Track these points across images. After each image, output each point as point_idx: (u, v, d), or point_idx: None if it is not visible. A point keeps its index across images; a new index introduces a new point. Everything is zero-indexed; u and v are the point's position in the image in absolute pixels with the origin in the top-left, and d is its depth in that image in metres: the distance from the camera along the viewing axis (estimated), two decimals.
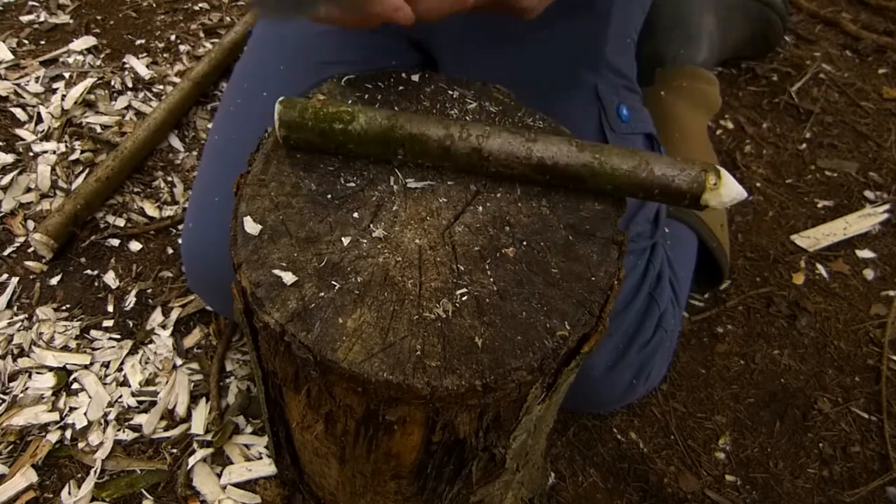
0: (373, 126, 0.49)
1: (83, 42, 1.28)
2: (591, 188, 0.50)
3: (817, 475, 0.88)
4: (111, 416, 0.84)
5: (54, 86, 1.19)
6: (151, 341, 0.92)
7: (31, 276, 0.96)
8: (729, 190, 0.48)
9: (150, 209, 1.06)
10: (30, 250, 0.99)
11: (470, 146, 0.49)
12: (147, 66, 1.27)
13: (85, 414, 0.84)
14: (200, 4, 1.43)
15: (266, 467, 0.82)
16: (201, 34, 1.37)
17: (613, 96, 0.82)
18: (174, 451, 0.82)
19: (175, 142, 1.16)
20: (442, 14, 0.50)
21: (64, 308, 0.94)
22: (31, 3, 1.34)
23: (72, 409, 0.85)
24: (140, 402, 0.86)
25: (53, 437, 0.82)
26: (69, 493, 0.78)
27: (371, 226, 0.48)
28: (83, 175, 1.08)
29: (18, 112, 1.14)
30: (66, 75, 1.21)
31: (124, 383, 0.88)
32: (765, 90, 1.40)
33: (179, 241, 1.02)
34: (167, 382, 0.88)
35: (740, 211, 1.17)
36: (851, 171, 1.25)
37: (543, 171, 0.49)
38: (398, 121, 0.49)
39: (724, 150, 1.27)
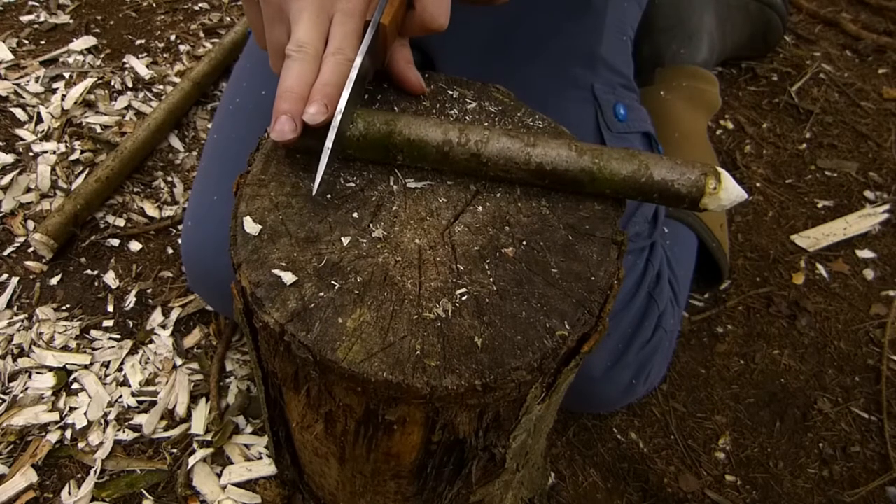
0: (371, 131, 0.49)
1: (83, 42, 1.28)
2: (589, 192, 0.50)
3: (817, 475, 0.88)
4: (111, 416, 0.84)
5: (54, 86, 1.19)
6: (151, 341, 0.92)
7: (31, 276, 0.96)
8: (728, 193, 0.48)
9: (150, 209, 1.06)
10: (30, 250, 0.99)
11: (469, 152, 0.49)
12: (147, 66, 1.27)
13: (85, 414, 0.84)
14: (200, 4, 1.43)
15: (266, 467, 0.82)
16: (201, 34, 1.37)
17: (610, 95, 0.82)
18: (174, 451, 0.82)
19: (175, 142, 1.16)
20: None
21: (64, 308, 0.94)
22: (31, 3, 1.34)
23: (72, 409, 0.85)
24: (140, 402, 0.86)
25: (53, 437, 0.82)
26: (69, 493, 0.78)
27: (371, 226, 0.48)
28: (83, 175, 1.08)
29: (18, 112, 1.14)
30: (66, 75, 1.21)
31: (124, 383, 0.88)
32: (765, 90, 1.40)
33: (179, 240, 1.02)
34: (167, 382, 0.88)
35: (740, 211, 1.17)
36: (851, 171, 1.25)
37: (542, 175, 0.49)
38: (397, 125, 0.49)
39: (724, 150, 1.27)
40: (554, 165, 0.49)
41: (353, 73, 0.47)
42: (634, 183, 0.49)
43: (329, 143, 0.46)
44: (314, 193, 0.46)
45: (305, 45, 0.48)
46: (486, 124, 0.51)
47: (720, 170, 0.49)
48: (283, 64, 0.48)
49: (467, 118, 0.56)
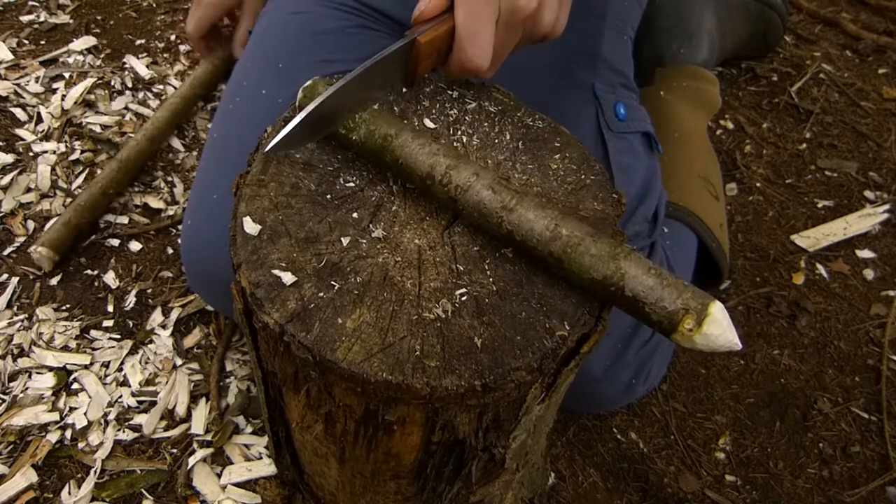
0: (369, 141, 0.49)
1: (83, 42, 1.28)
2: (556, 275, 0.47)
3: (817, 475, 0.88)
4: (111, 416, 0.84)
5: (54, 86, 1.19)
6: (151, 341, 0.92)
7: (31, 276, 0.96)
8: (709, 339, 0.40)
9: (151, 209, 1.06)
10: (30, 250, 0.99)
11: (447, 194, 0.47)
12: (147, 66, 1.27)
13: (85, 414, 0.84)
14: None
15: (266, 467, 0.82)
16: None
17: (611, 95, 0.82)
18: (174, 451, 0.82)
19: (175, 142, 1.16)
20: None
21: (64, 308, 0.94)
22: (31, 3, 1.34)
23: (72, 409, 0.85)
24: (140, 402, 0.86)
25: (53, 437, 0.82)
26: (69, 493, 0.78)
27: (370, 226, 0.48)
28: (83, 175, 1.08)
29: (18, 112, 1.14)
30: (66, 75, 1.21)
31: (124, 383, 0.88)
32: (765, 90, 1.39)
33: (179, 240, 1.02)
34: (167, 382, 0.88)
35: (740, 211, 1.17)
36: (851, 171, 1.25)
37: (511, 243, 0.47)
38: (392, 143, 0.48)
39: (724, 150, 1.27)
40: (524, 239, 0.45)
41: (358, 70, 0.48)
42: (601, 288, 0.44)
43: (303, 114, 0.46)
44: (266, 150, 0.47)
45: None
46: (479, 166, 0.48)
47: (714, 309, 0.41)
48: None
49: (467, 118, 0.56)
